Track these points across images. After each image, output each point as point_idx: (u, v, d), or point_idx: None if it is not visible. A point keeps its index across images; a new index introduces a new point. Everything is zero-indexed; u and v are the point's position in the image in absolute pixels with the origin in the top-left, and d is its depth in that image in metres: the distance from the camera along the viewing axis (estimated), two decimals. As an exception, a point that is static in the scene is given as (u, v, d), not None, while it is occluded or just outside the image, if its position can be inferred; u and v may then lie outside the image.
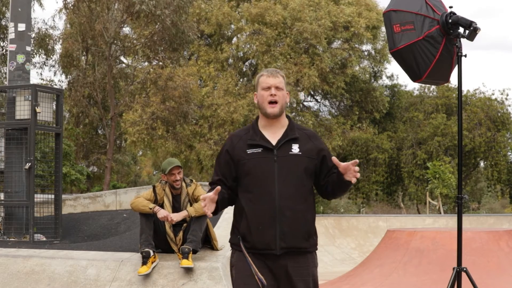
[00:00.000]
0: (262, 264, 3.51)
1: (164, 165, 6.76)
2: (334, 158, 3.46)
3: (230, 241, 3.66)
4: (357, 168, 3.43)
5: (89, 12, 21.50)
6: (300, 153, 3.55)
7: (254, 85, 3.74)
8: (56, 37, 25.66)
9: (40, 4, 25.02)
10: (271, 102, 3.55)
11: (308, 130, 3.70)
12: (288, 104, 3.77)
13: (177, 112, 22.07)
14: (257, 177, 3.51)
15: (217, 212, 3.57)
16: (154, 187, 6.84)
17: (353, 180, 3.45)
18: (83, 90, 24.14)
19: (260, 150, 3.54)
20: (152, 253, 6.56)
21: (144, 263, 6.53)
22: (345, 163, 3.44)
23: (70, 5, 22.08)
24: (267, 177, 3.50)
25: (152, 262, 6.57)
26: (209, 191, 3.57)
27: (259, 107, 3.62)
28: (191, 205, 6.76)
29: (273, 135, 3.58)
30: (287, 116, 3.67)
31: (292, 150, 3.55)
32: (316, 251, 3.69)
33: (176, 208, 6.77)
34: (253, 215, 3.51)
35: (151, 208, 6.55)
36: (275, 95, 3.55)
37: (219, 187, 3.45)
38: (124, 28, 24.05)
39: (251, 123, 3.70)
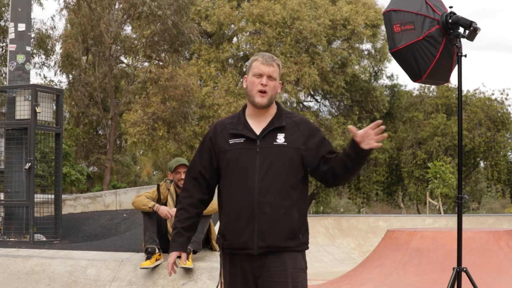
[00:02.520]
0: (235, 265, 3.30)
1: (171, 163, 6.76)
2: (351, 127, 3.17)
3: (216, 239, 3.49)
4: (378, 129, 3.10)
5: (89, 12, 21.50)
6: (286, 143, 3.26)
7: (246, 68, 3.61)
8: (56, 37, 25.68)
9: (40, 4, 25.01)
10: (261, 91, 3.29)
11: (297, 117, 3.39)
12: (278, 93, 3.52)
13: (177, 112, 22.07)
14: (237, 169, 3.26)
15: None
16: (158, 186, 6.85)
17: (373, 145, 3.12)
18: (84, 90, 24.14)
19: (242, 141, 3.29)
20: (157, 250, 6.56)
21: (148, 258, 6.53)
22: (362, 130, 3.13)
23: (71, 4, 22.08)
24: (248, 170, 3.23)
25: (157, 259, 6.57)
26: (184, 185, 3.45)
27: (247, 93, 3.35)
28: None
29: (259, 124, 3.32)
30: (276, 102, 3.41)
31: (277, 140, 3.27)
32: (304, 251, 3.35)
33: (179, 208, 6.76)
34: (231, 211, 3.27)
35: (150, 207, 6.55)
36: (266, 85, 3.29)
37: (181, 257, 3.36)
38: (125, 28, 24.05)
39: (239, 111, 3.43)
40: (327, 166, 3.30)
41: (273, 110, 3.38)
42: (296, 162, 3.27)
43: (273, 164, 3.23)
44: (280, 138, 3.28)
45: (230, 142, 3.31)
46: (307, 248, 3.37)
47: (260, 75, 3.32)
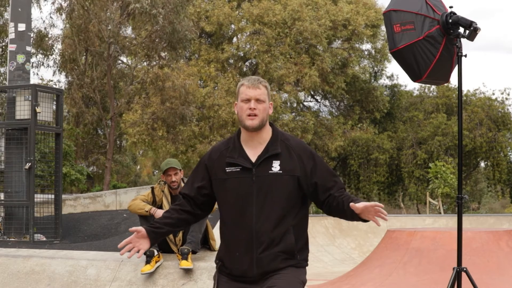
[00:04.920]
0: (241, 282, 3.36)
1: (162, 165, 6.79)
2: (352, 204, 3.16)
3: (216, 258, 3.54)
4: (383, 211, 3.14)
5: (85, 13, 21.47)
6: (281, 171, 3.28)
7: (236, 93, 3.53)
8: (54, 37, 25.65)
9: (38, 6, 24.97)
10: (250, 115, 3.30)
11: (292, 141, 3.38)
12: (270, 114, 3.49)
13: (175, 113, 22.05)
14: (235, 198, 3.29)
15: (157, 240, 3.42)
16: (152, 189, 6.85)
17: (372, 219, 3.17)
18: (83, 90, 24.13)
19: (238, 169, 3.31)
20: (156, 253, 6.56)
21: (147, 262, 6.53)
22: (362, 205, 3.15)
23: (66, 7, 22.05)
24: (245, 199, 3.27)
25: (156, 262, 6.57)
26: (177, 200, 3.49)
27: (238, 119, 3.38)
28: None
29: (254, 151, 3.33)
30: (271, 125, 3.41)
31: (272, 168, 3.28)
32: (305, 267, 3.41)
33: (175, 209, 6.77)
34: (230, 240, 3.34)
35: (147, 211, 6.55)
36: (254, 108, 3.29)
37: (138, 230, 3.31)
38: (123, 28, 24.03)
39: (233, 135, 3.45)
40: (324, 196, 3.32)
41: (268, 134, 3.38)
42: (292, 189, 3.30)
43: (269, 193, 3.26)
44: (276, 166, 3.29)
45: (227, 171, 3.34)
46: (307, 264, 3.42)
47: (248, 100, 3.32)
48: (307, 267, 3.44)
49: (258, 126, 3.32)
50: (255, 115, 3.30)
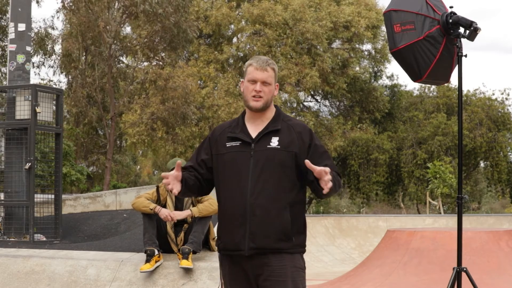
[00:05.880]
0: (236, 265, 3.36)
1: (169, 164, 6.79)
2: (307, 162, 3.15)
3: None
4: (327, 178, 3.11)
5: (88, 12, 21.46)
6: (279, 146, 3.31)
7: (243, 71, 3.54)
8: (55, 36, 25.64)
9: (37, 2, 24.96)
10: (255, 97, 3.35)
11: (293, 120, 3.44)
12: (276, 95, 3.46)
13: (176, 113, 22.05)
14: (232, 172, 3.33)
15: (184, 194, 3.40)
16: (157, 187, 6.84)
17: (324, 190, 3.15)
18: (82, 90, 24.13)
19: (238, 144, 3.36)
20: (156, 252, 6.56)
21: (147, 261, 6.53)
22: (318, 169, 3.13)
23: (69, 4, 22.04)
24: (241, 172, 3.30)
25: (156, 261, 6.57)
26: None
27: (243, 98, 3.43)
28: (194, 206, 6.76)
29: (256, 128, 3.38)
30: (275, 106, 3.46)
31: (271, 143, 3.32)
32: (302, 253, 3.39)
33: (178, 209, 6.76)
34: (225, 213, 3.35)
35: (151, 209, 6.55)
36: (260, 91, 3.34)
37: (179, 161, 3.32)
38: (124, 28, 24.03)
39: (240, 115, 3.50)
40: (313, 175, 3.27)
41: (271, 113, 3.44)
42: (289, 165, 3.31)
43: (265, 167, 3.29)
44: (274, 142, 3.33)
45: (227, 145, 3.38)
46: (304, 251, 3.40)
47: (254, 81, 3.37)
48: (304, 254, 3.40)
49: (262, 108, 3.37)
50: (260, 97, 3.36)
